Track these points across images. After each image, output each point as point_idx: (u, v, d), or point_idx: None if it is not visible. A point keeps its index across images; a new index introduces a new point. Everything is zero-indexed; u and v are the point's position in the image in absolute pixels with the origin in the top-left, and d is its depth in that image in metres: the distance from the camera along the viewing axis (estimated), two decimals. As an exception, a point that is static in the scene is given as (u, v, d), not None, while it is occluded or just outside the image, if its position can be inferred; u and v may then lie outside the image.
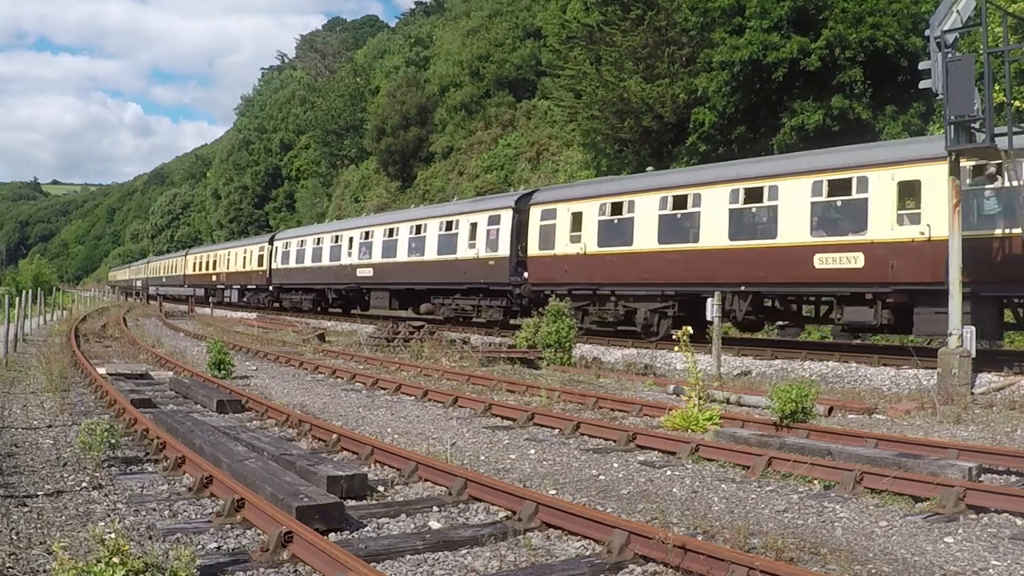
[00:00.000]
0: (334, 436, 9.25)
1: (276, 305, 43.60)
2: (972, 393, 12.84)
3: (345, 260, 34.45)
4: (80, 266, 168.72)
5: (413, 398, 13.29)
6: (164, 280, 71.91)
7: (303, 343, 24.34)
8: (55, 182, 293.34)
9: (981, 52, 14.13)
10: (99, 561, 4.22)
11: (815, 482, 7.48)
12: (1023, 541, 5.84)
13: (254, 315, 40.54)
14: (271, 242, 44.34)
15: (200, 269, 59.40)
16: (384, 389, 14.32)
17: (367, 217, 41.13)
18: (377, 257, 31.78)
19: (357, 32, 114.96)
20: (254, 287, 46.63)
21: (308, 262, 38.61)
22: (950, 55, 12.82)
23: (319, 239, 38.10)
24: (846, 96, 26.29)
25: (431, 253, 28.38)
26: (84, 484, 7.21)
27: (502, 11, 56.84)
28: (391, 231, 31.31)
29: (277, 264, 42.44)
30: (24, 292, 30.66)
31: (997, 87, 15.40)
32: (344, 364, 18.33)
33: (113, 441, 7.99)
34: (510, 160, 49.14)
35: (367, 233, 33.33)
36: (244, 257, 48.42)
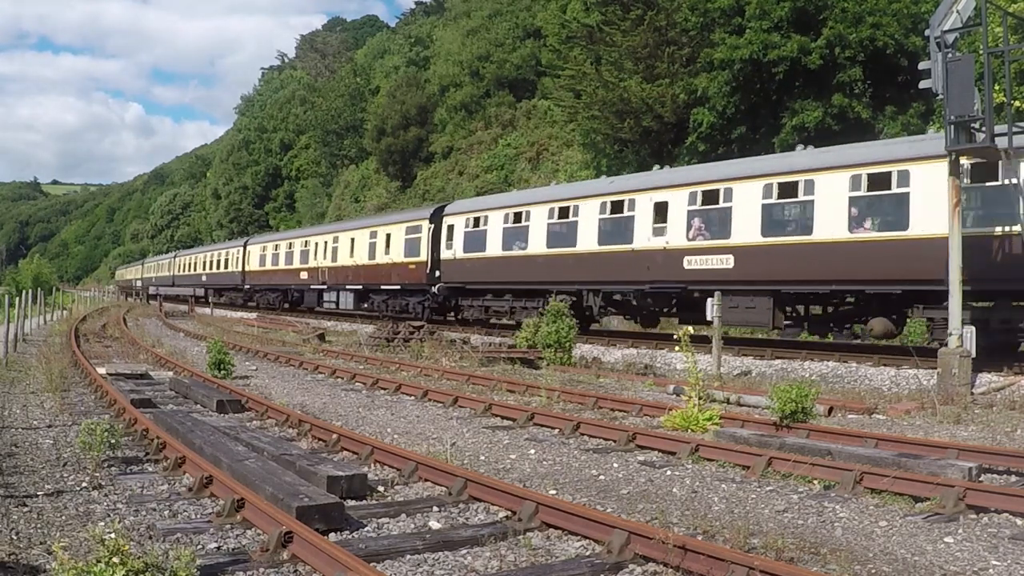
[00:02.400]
0: (334, 436, 9.25)
1: (441, 315, 29.95)
2: (972, 393, 12.84)
3: (646, 242, 19.99)
4: (80, 266, 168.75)
5: (413, 398, 13.29)
6: (204, 279, 56.84)
7: (303, 343, 24.35)
8: (55, 182, 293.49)
9: (981, 52, 14.13)
10: (99, 561, 4.22)
11: (815, 482, 7.48)
12: (1023, 541, 5.84)
13: (254, 315, 40.47)
14: (436, 218, 28.67)
15: (275, 264, 43.76)
16: (384, 389, 14.32)
17: (699, 168, 22.20)
18: (751, 235, 17.74)
19: (357, 32, 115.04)
20: (395, 287, 30.94)
21: (537, 247, 23.46)
22: (950, 55, 12.82)
23: (565, 208, 22.72)
24: (846, 95, 26.32)
25: (929, 225, 14.72)
26: (84, 484, 7.21)
27: (502, 11, 56.85)
28: (791, 187, 17.23)
29: (455, 252, 27.11)
30: (24, 292, 30.66)
31: (997, 87, 15.40)
32: (344, 364, 18.33)
33: (113, 441, 7.99)
34: (510, 160, 49.16)
35: (709, 194, 18.80)
36: (373, 244, 32.74)
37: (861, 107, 26.29)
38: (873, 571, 5.25)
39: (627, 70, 32.58)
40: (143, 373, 15.43)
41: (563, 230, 22.62)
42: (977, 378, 13.37)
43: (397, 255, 30.62)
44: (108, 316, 38.48)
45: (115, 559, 4.23)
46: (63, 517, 6.20)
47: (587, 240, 21.69)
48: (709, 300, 16.94)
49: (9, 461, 8.01)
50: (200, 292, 57.95)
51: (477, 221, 26.36)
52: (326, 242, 37.25)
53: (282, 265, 42.33)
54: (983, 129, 12.84)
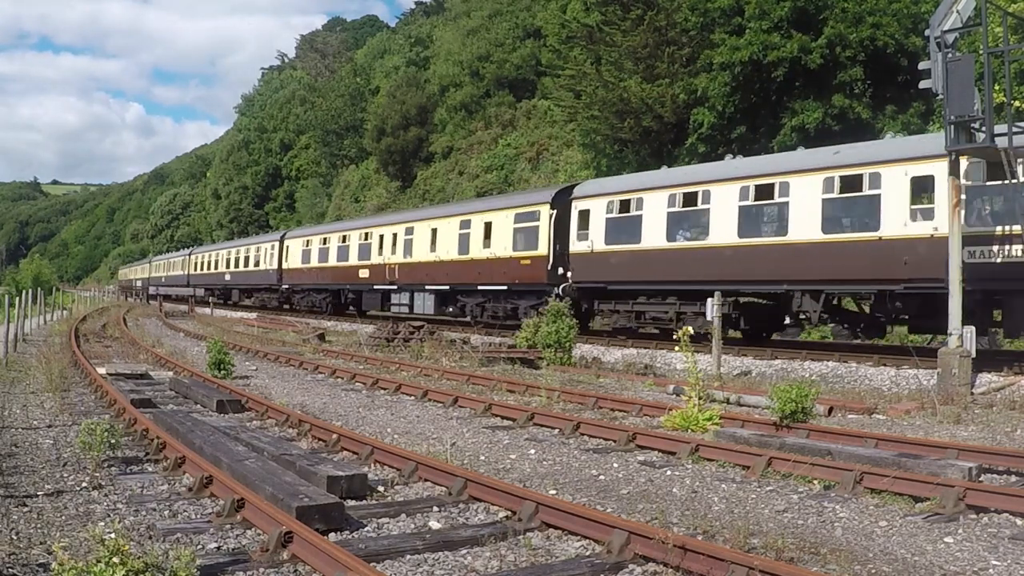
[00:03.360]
0: (334, 436, 9.25)
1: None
2: (972, 393, 12.84)
3: (901, 228, 15.65)
4: (80, 266, 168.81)
5: (413, 398, 13.29)
6: (228, 279, 49.99)
7: (303, 343, 24.34)
8: (55, 182, 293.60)
9: (981, 52, 14.13)
10: (99, 561, 4.22)
11: (815, 482, 7.48)
12: (1023, 541, 5.85)
13: (254, 315, 40.43)
14: (561, 202, 23.32)
15: (323, 260, 36.46)
16: (384, 389, 14.32)
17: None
18: None
19: (357, 32, 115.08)
20: (498, 287, 25.25)
21: (721, 236, 18.64)
22: (950, 55, 12.83)
23: (766, 187, 18.03)
24: (846, 95, 26.34)
25: None
26: (84, 484, 7.21)
27: (502, 11, 56.88)
28: None
29: (592, 243, 21.87)
30: (24, 292, 30.67)
31: (997, 87, 15.40)
32: (344, 364, 18.33)
33: (113, 441, 7.99)
34: (510, 160, 49.17)
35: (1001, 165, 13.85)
36: (466, 235, 26.80)
37: (861, 107, 26.31)
38: (873, 571, 5.25)
39: (627, 70, 32.58)
40: (143, 373, 15.43)
41: (763, 214, 18.04)
42: (977, 378, 13.38)
43: (502, 248, 24.68)
44: (108, 316, 38.48)
45: (115, 559, 4.22)
46: (63, 517, 6.20)
47: (803, 227, 16.99)
48: (709, 300, 16.89)
49: (9, 461, 8.01)
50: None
51: (626, 205, 20.95)
52: (395, 234, 30.81)
53: (332, 262, 35.81)
54: (983, 129, 12.85)
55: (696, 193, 19.20)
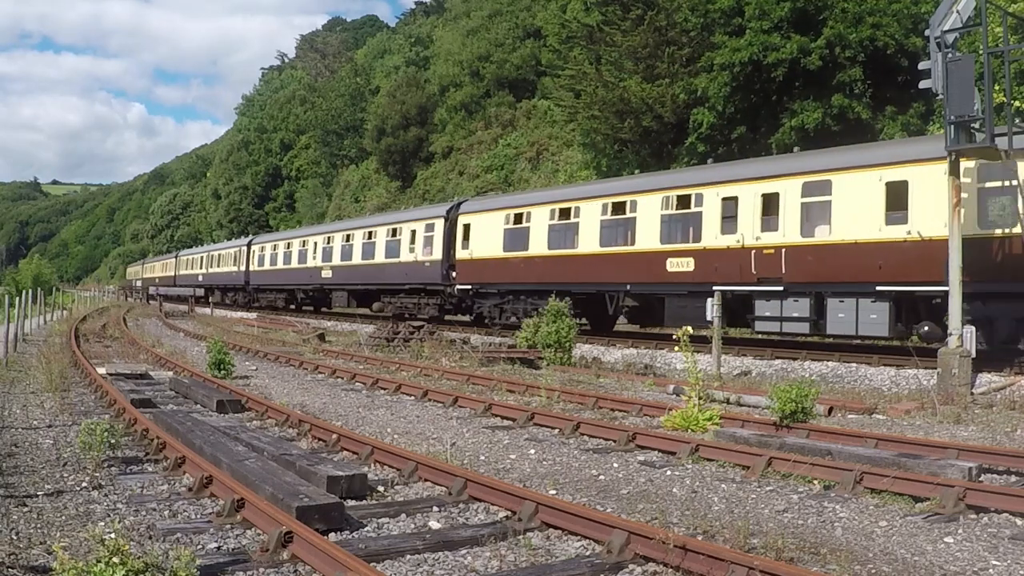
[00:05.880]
0: (334, 436, 9.25)
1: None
2: (972, 393, 12.84)
3: None
4: (80, 266, 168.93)
5: (413, 398, 13.29)
6: (328, 276, 36.23)
7: (303, 343, 24.34)
8: (55, 182, 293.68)
9: (981, 52, 14.14)
10: (99, 561, 4.21)
11: (815, 482, 7.48)
12: (1023, 541, 5.84)
13: (254, 315, 40.43)
14: None
15: (562, 244, 22.69)
16: (384, 389, 14.32)
17: None
18: None
19: (357, 32, 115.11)
20: None
21: None
22: (950, 55, 12.83)
23: None
24: (846, 96, 26.33)
25: None
26: (84, 484, 7.21)
27: (502, 11, 56.92)
28: None
29: None
30: (24, 292, 30.66)
31: (997, 87, 15.40)
32: (344, 364, 18.32)
33: (113, 441, 7.99)
34: (510, 160, 49.18)
35: None
36: None
37: (861, 107, 26.29)
38: (873, 571, 5.25)
39: (627, 70, 32.59)
40: (143, 373, 15.43)
41: None
42: (977, 378, 13.38)
43: None
44: (108, 316, 38.48)
45: (115, 559, 4.22)
46: (63, 517, 6.20)
47: None
48: (709, 300, 16.91)
49: (9, 461, 8.01)
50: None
51: None
52: (771, 195, 17.84)
53: (586, 247, 22.25)
54: (983, 129, 12.85)
55: None
